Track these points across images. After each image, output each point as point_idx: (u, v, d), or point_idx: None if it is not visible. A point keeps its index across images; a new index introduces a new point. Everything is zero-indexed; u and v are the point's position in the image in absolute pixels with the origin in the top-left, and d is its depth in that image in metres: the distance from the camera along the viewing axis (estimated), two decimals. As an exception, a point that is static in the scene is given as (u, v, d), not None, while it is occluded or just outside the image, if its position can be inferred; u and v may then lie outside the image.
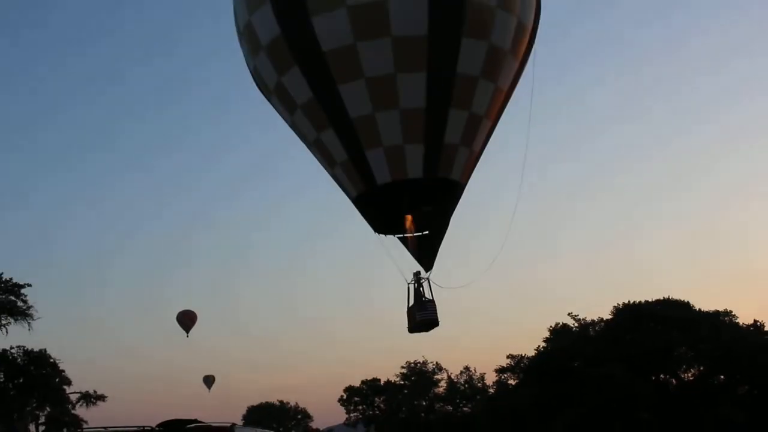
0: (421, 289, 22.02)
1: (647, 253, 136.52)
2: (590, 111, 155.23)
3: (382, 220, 22.20)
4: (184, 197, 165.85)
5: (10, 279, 44.49)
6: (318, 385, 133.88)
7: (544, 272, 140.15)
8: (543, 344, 54.12)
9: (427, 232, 22.10)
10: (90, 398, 48.24)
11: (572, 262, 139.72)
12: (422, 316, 21.88)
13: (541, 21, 22.04)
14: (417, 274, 22.21)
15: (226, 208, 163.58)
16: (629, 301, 51.07)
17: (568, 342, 51.90)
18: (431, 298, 21.95)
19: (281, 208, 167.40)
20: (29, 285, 44.91)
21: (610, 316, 51.29)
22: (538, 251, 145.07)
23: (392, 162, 20.75)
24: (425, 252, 22.20)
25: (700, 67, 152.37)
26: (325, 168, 22.62)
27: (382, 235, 22.44)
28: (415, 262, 22.32)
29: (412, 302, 22.10)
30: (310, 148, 22.58)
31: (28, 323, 43.96)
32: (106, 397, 49.01)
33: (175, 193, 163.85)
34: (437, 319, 21.97)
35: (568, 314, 53.58)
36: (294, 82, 20.70)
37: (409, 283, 22.16)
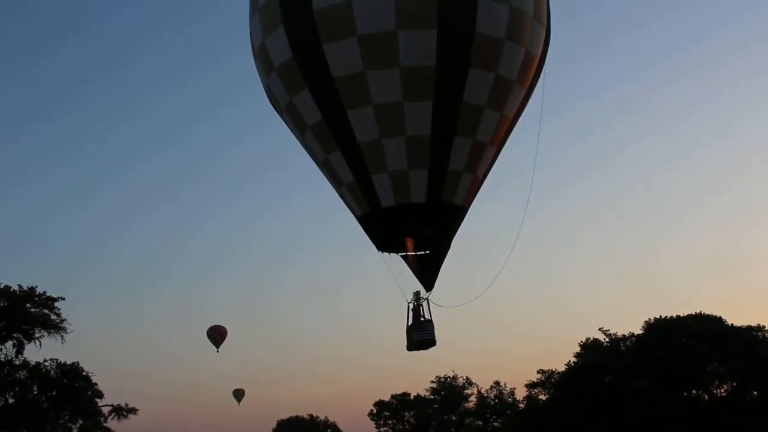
0: (420, 309, 22.82)
1: (678, 267, 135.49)
2: (617, 120, 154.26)
3: (385, 239, 23.06)
4: (219, 212, 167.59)
5: (44, 292, 45.63)
6: (348, 399, 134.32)
7: (574, 286, 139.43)
8: (574, 359, 54.09)
9: (428, 251, 22.86)
10: (122, 411, 48.94)
11: (602, 276, 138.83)
12: (420, 336, 22.72)
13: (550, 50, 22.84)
14: (417, 294, 23.03)
15: (262, 220, 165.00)
16: (660, 316, 50.99)
17: (599, 357, 51.85)
18: (430, 318, 22.77)
19: (319, 222, 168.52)
20: (63, 298, 46.10)
21: (641, 331, 51.19)
22: (568, 266, 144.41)
23: (397, 186, 21.69)
24: (426, 272, 22.98)
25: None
26: (333, 186, 23.57)
27: (385, 254, 23.24)
28: (416, 281, 23.15)
29: (411, 321, 22.91)
30: (319, 167, 23.53)
31: (62, 336, 45.06)
32: (138, 410, 49.78)
33: (209, 208, 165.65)
34: (435, 339, 22.81)
35: (599, 329, 53.66)
36: (304, 104, 21.68)
37: (408, 303, 22.99)
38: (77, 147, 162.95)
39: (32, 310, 45.14)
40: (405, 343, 23.31)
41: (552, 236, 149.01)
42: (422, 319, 22.79)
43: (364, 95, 20.67)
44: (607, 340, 53.16)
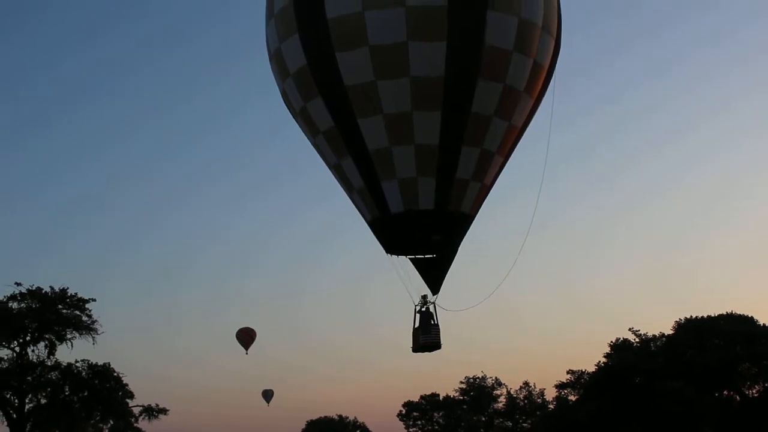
0: (427, 311, 23.57)
1: (709, 267, 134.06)
2: (648, 117, 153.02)
3: (393, 243, 23.75)
4: (247, 213, 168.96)
5: (76, 294, 46.50)
6: (377, 399, 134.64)
7: (604, 286, 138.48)
8: (604, 359, 54.00)
9: (435, 255, 23.53)
10: (152, 411, 49.70)
11: (632, 276, 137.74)
12: (425, 339, 23.53)
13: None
14: (424, 297, 23.78)
15: (289, 224, 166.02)
16: (691, 316, 50.80)
17: (629, 357, 51.72)
18: (436, 322, 23.53)
19: (346, 224, 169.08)
20: (94, 300, 46.98)
21: (671, 332, 51.02)
22: (598, 265, 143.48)
23: (405, 193, 22.42)
24: (433, 276, 23.65)
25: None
26: (344, 190, 24.33)
27: (394, 256, 23.92)
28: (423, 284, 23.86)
29: (417, 324, 23.70)
30: (330, 170, 24.31)
31: (93, 337, 45.93)
32: (168, 410, 50.56)
33: (237, 209, 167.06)
34: (440, 342, 23.59)
35: (629, 329, 53.59)
36: (317, 110, 22.46)
37: (416, 305, 23.78)
38: (103, 148, 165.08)
39: (64, 311, 46.01)
40: (411, 344, 24.01)
41: (582, 236, 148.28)
42: (432, 322, 23.51)
43: (375, 104, 21.36)
44: (637, 340, 53.12)
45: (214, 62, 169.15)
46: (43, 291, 45.46)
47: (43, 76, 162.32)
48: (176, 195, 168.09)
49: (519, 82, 22.02)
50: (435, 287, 23.68)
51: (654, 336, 52.49)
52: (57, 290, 45.95)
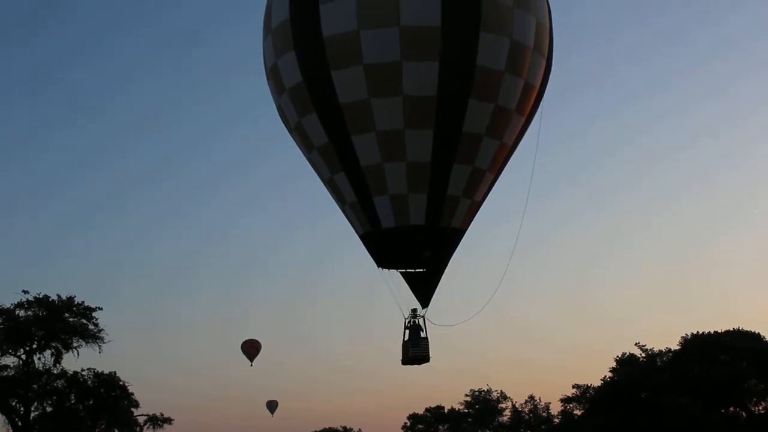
0: (416, 325, 24.09)
1: (716, 282, 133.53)
2: (655, 129, 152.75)
3: (384, 257, 24.30)
4: (253, 222, 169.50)
5: (82, 302, 46.89)
6: (381, 411, 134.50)
7: (610, 301, 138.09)
8: (609, 374, 53.99)
9: (425, 270, 24.08)
10: (157, 421, 50.03)
11: (638, 291, 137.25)
12: (414, 352, 24.09)
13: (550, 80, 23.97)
14: (414, 311, 24.29)
15: (296, 234, 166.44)
16: (698, 332, 50.62)
17: (635, 373, 51.67)
18: (425, 335, 24.05)
19: (352, 235, 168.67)
20: (100, 309, 47.39)
21: (678, 347, 50.91)
22: (604, 279, 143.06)
23: (397, 209, 23.03)
24: (423, 290, 24.21)
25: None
26: (338, 204, 24.92)
27: (385, 270, 24.48)
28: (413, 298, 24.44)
29: (407, 337, 24.24)
30: (324, 185, 24.95)
31: (99, 346, 46.28)
32: (173, 419, 50.85)
33: (242, 218, 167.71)
34: (428, 355, 24.13)
35: (635, 344, 53.53)
36: (312, 126, 23.09)
37: (405, 319, 24.32)
38: (109, 157, 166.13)
39: (71, 319, 46.44)
40: (401, 356, 24.59)
41: (588, 250, 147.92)
42: (420, 335, 24.00)
43: (368, 122, 21.94)
44: (643, 355, 53.01)
45: (216, 74, 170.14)
46: (50, 299, 45.86)
47: (52, 83, 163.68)
48: (182, 205, 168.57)
49: (510, 102, 22.57)
50: (425, 301, 24.16)
51: (660, 351, 52.40)
52: (64, 298, 46.39)
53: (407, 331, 24.24)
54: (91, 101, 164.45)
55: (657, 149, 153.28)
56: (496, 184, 24.56)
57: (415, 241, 23.22)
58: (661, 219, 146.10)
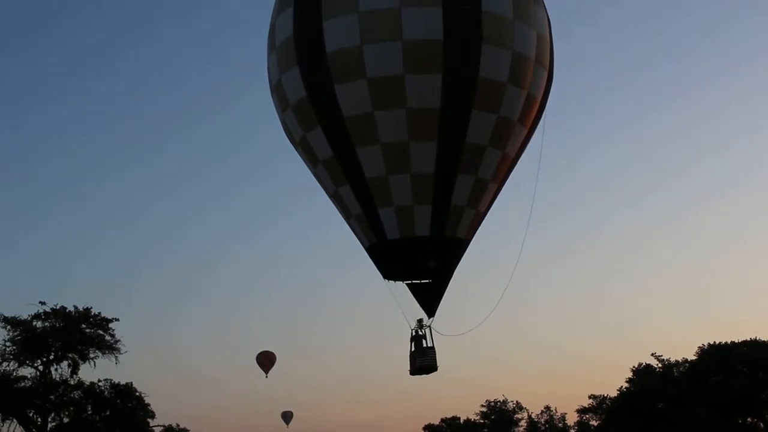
0: (422, 335, 24.28)
1: (734, 291, 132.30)
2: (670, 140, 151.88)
3: (390, 269, 24.50)
4: (267, 230, 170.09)
5: (99, 313, 47.17)
6: (397, 422, 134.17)
7: (626, 310, 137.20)
8: (626, 384, 53.68)
9: (431, 280, 24.24)
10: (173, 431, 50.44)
11: (655, 300, 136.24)
12: (421, 362, 24.25)
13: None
14: (420, 321, 24.48)
15: (309, 244, 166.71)
16: (715, 342, 50.31)
17: (651, 383, 51.34)
18: (432, 344, 24.25)
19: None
20: (117, 319, 47.66)
21: (694, 357, 50.60)
22: (620, 289, 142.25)
23: (402, 220, 23.24)
24: (429, 300, 24.36)
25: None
26: (343, 217, 25.18)
27: (391, 282, 24.65)
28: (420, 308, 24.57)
29: (414, 347, 24.39)
30: (330, 198, 25.17)
31: (116, 357, 46.55)
32: (189, 430, 51.14)
33: (257, 229, 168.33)
34: (436, 365, 24.30)
35: (652, 354, 53.23)
36: (317, 140, 23.38)
37: (412, 329, 24.48)
38: (120, 166, 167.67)
39: (87, 330, 46.75)
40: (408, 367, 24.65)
41: (604, 259, 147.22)
42: (425, 345, 24.17)
43: (373, 134, 22.20)
44: (660, 365, 52.69)
45: (224, 89, 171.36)
46: (67, 310, 46.15)
47: (64, 94, 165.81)
48: (196, 215, 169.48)
49: (513, 112, 22.79)
50: (431, 311, 24.29)
51: (677, 361, 52.16)
52: (81, 309, 46.72)
53: (414, 342, 24.38)
54: (103, 112, 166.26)
55: (672, 159, 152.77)
56: (501, 194, 24.75)
57: (421, 252, 23.42)
58: (677, 228, 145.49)
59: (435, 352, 24.10)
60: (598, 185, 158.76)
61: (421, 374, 24.53)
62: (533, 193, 26.16)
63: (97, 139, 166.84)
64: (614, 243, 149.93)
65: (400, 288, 24.34)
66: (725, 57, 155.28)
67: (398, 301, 24.11)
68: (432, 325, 24.23)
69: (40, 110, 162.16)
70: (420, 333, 24.23)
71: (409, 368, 24.63)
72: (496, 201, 24.64)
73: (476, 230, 24.59)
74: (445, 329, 24.57)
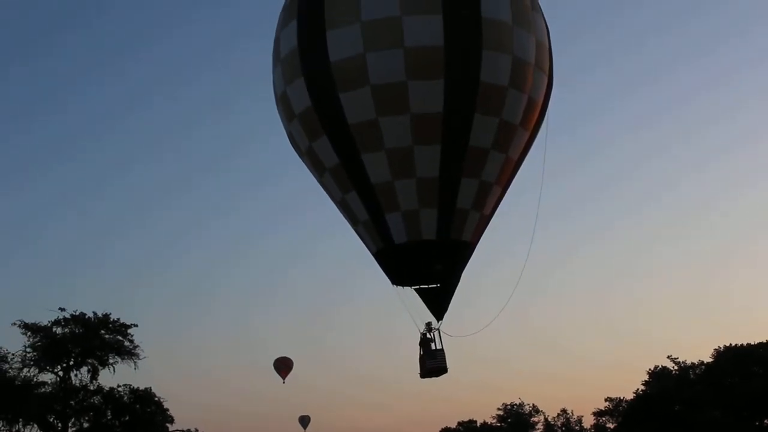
0: (431, 338, 24.46)
1: (749, 293, 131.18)
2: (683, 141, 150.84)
3: (398, 274, 24.70)
4: (281, 234, 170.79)
5: (118, 319, 47.99)
6: (414, 425, 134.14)
7: (642, 313, 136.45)
8: (642, 387, 53.58)
9: (438, 285, 24.36)
10: (191, 436, 50.76)
11: (671, 302, 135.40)
12: (431, 364, 24.37)
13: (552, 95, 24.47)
14: (428, 324, 24.66)
15: (324, 246, 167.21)
16: (731, 344, 50.13)
17: (667, 386, 51.21)
18: (441, 347, 24.44)
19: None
20: (136, 325, 48.31)
21: (711, 359, 50.41)
22: (636, 291, 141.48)
23: (409, 225, 23.41)
24: (437, 304, 24.46)
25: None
26: (350, 224, 25.42)
27: (399, 287, 24.79)
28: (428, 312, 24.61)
29: (423, 350, 24.54)
30: (336, 206, 25.47)
31: (135, 362, 47.19)
32: (208, 435, 51.32)
33: (270, 231, 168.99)
34: (446, 366, 24.47)
35: (668, 357, 53.16)
36: (323, 148, 23.68)
37: (421, 333, 24.66)
38: (129, 169, 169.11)
39: (106, 336, 47.34)
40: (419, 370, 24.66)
41: (620, 261, 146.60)
42: (434, 348, 24.32)
43: (378, 140, 22.50)
44: (675, 368, 52.57)
45: (231, 95, 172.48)
46: (86, 316, 46.90)
47: (71, 102, 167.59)
48: (210, 219, 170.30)
49: (514, 116, 23.06)
50: (439, 315, 24.48)
51: (693, 364, 51.98)
52: (100, 315, 47.33)
53: (423, 345, 24.52)
54: (110, 117, 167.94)
55: (687, 159, 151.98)
56: (511, 197, 25.09)
57: (428, 255, 23.60)
58: (693, 229, 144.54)
59: (444, 354, 24.26)
60: (613, 185, 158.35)
61: (431, 377, 24.64)
62: (539, 194, 26.24)
63: (104, 142, 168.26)
64: (629, 245, 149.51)
65: (409, 292, 24.53)
66: (742, 57, 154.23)
67: (407, 306, 24.35)
68: (440, 328, 24.40)
69: (60, 112, 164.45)
70: (429, 336, 24.44)
71: (419, 371, 24.68)
72: (501, 205, 24.79)
73: (482, 233, 24.76)
74: (455, 331, 24.82)
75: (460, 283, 24.58)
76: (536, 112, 23.78)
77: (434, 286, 24.14)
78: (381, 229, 23.75)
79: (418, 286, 24.25)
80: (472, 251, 24.72)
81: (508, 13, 22.35)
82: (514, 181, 24.86)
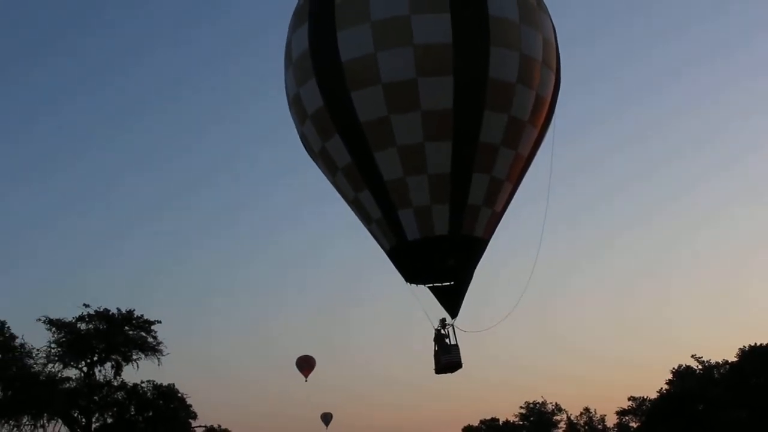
0: (446, 334, 24.69)
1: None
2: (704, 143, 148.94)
3: (412, 271, 24.91)
4: (299, 231, 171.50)
5: (141, 316, 48.48)
6: (436, 423, 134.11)
7: (666, 312, 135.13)
8: (666, 386, 53.08)
9: (452, 282, 24.57)
10: (215, 432, 51.08)
11: (695, 301, 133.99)
12: (446, 359, 24.63)
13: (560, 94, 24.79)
14: (443, 320, 24.91)
15: (341, 244, 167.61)
16: (756, 344, 49.49)
17: (691, 385, 50.71)
18: (455, 342, 24.69)
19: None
20: (159, 322, 48.78)
21: (735, 359, 49.83)
22: (660, 290, 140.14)
23: (421, 221, 23.70)
24: (451, 301, 24.73)
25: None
26: (363, 223, 25.69)
27: (413, 285, 25.00)
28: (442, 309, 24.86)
29: (438, 346, 24.78)
30: (349, 205, 25.73)
31: (158, 359, 47.64)
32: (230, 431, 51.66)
33: (290, 227, 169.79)
34: (461, 362, 24.71)
35: (692, 356, 52.61)
36: (335, 147, 23.99)
37: (436, 329, 24.93)
38: (142, 169, 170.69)
39: (130, 332, 47.83)
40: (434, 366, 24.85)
41: (644, 259, 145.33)
42: (448, 343, 24.51)
43: (389, 138, 22.81)
44: (700, 367, 52.05)
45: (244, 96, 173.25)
46: (110, 312, 47.39)
47: (86, 101, 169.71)
48: (233, 214, 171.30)
49: (523, 113, 23.31)
50: (453, 313, 24.72)
51: (717, 363, 51.46)
52: (124, 312, 47.81)
53: (437, 341, 24.74)
54: (134, 113, 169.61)
55: (709, 159, 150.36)
56: (515, 195, 25.06)
57: (440, 250, 23.83)
58: (718, 228, 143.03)
59: (459, 349, 24.50)
60: (637, 185, 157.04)
61: (446, 372, 24.86)
62: (546, 194, 26.53)
63: (116, 142, 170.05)
64: (654, 243, 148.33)
65: (423, 290, 24.74)
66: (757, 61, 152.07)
67: (421, 303, 24.60)
68: (454, 324, 24.60)
69: (78, 109, 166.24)
70: (443, 332, 24.67)
71: (434, 367, 24.87)
72: (520, 202, 25.16)
73: (494, 230, 24.94)
74: (469, 327, 25.02)
75: (474, 280, 24.84)
76: (545, 109, 24.01)
77: (448, 284, 24.32)
78: (394, 226, 24.04)
79: (431, 284, 24.47)
80: (485, 248, 24.90)
81: (515, 11, 22.69)
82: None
